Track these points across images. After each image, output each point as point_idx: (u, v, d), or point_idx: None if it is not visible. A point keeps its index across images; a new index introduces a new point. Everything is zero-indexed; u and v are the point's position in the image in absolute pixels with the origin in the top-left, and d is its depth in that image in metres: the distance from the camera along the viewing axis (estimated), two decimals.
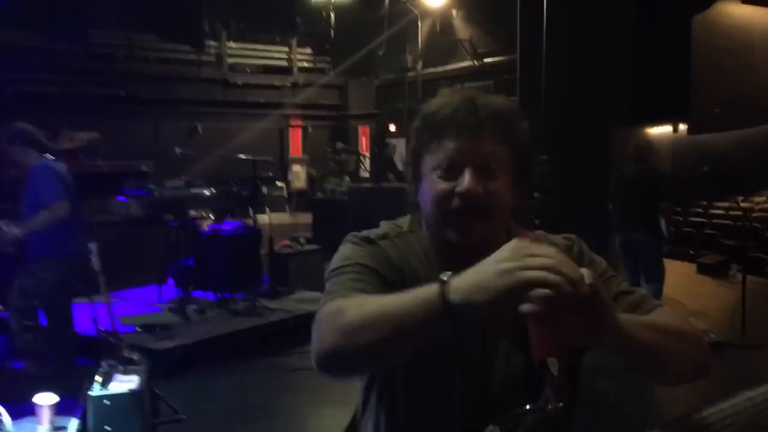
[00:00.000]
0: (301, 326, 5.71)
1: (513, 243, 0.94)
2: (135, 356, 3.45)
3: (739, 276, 8.05)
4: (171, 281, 6.66)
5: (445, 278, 0.95)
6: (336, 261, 1.26)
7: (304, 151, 16.94)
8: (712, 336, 5.55)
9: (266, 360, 5.04)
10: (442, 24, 15.35)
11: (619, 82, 11.62)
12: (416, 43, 15.97)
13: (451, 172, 1.20)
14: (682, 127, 12.82)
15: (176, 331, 5.27)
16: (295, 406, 4.34)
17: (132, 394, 3.08)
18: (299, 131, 17.05)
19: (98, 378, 3.18)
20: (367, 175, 16.15)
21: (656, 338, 1.06)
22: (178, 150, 6.23)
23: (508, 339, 1.22)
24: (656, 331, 1.08)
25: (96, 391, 3.09)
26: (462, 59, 15.14)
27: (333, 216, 10.02)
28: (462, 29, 15.02)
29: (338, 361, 1.05)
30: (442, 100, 1.26)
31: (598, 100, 11.49)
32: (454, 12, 14.87)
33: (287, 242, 7.65)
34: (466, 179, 1.18)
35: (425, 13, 15.36)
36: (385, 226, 1.33)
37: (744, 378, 5.09)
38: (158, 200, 5.41)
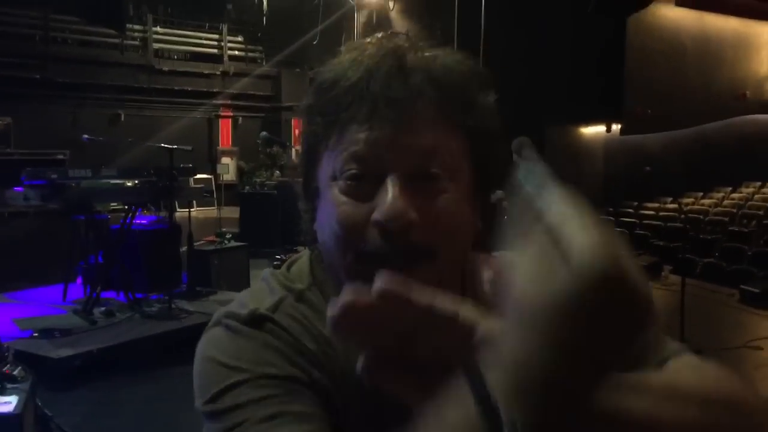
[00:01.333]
0: None
1: None
2: (16, 371, 2.97)
3: (672, 278, 8.06)
4: (79, 281, 6.13)
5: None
6: (212, 378, 0.72)
7: (234, 143, 16.50)
8: None
9: (180, 369, 4.58)
10: (379, 16, 15.17)
11: (556, 82, 11.64)
12: (352, 36, 15.71)
13: (365, 183, 0.69)
14: (615, 127, 12.93)
15: (79, 337, 4.76)
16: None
17: (6, 418, 2.62)
18: (229, 122, 16.59)
19: None
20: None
21: (697, 415, 0.54)
22: (85, 137, 5.69)
23: None
24: (698, 402, 0.56)
25: None
26: None
27: (261, 211, 9.62)
28: (399, 22, 14.82)
29: None
30: (349, 56, 0.73)
31: (534, 99, 11.47)
32: (390, 4, 14.69)
33: (212, 238, 7.21)
34: (391, 196, 0.66)
35: (361, 5, 15.18)
36: (273, 282, 0.80)
37: None
38: (62, 190, 4.87)
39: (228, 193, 14.52)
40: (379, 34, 0.73)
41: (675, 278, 6.47)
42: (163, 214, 6.46)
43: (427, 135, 0.69)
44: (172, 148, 5.20)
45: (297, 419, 0.68)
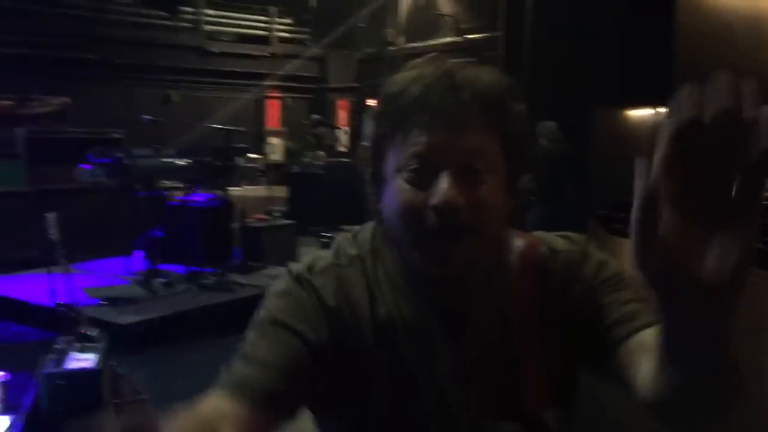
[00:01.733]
0: None
1: None
2: (94, 332, 3.27)
3: None
4: (139, 254, 6.47)
5: None
6: (262, 307, 1.00)
7: (281, 124, 16.74)
8: None
9: (234, 338, 4.88)
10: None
11: (603, 63, 11.58)
12: (398, 17, 15.81)
13: (423, 175, 0.90)
14: (663, 110, 12.85)
15: (142, 305, 5.09)
16: None
17: (88, 372, 2.92)
18: (277, 103, 16.85)
19: (52, 355, 3.00)
20: (344, 149, 16.09)
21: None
22: (146, 117, 6.00)
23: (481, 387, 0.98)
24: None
25: (49, 368, 2.92)
26: (444, 35, 15.01)
27: (309, 190, 9.89)
28: (445, 4, 14.87)
29: None
30: (411, 74, 0.93)
31: (582, 81, 11.45)
32: None
33: (262, 215, 7.49)
34: (444, 186, 0.88)
35: None
36: (337, 247, 1.05)
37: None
38: (126, 168, 5.18)
39: (275, 173, 14.84)
40: (432, 55, 0.96)
41: None
42: (216, 192, 6.74)
43: (473, 138, 0.90)
44: (228, 129, 5.46)
45: (257, 366, 0.92)
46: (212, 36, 15.63)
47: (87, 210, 6.19)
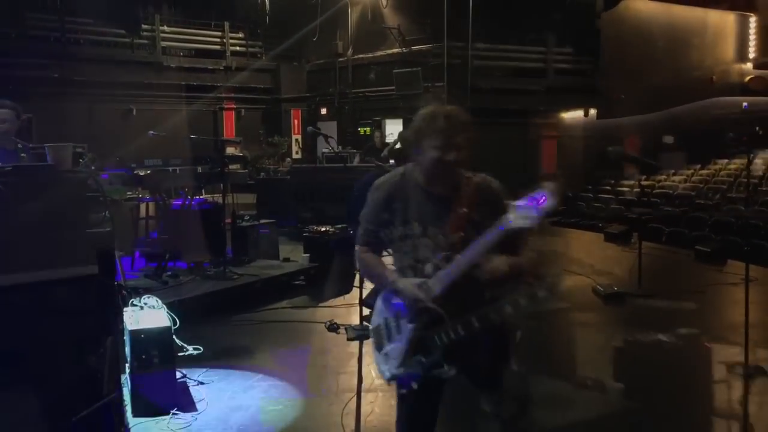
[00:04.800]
0: (267, 288, 6.49)
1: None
2: (154, 301, 4.17)
3: (644, 244, 9.27)
4: (139, 253, 7.28)
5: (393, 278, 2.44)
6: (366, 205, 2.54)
7: (237, 134, 17.36)
8: (615, 288, 6.65)
9: (240, 315, 5.82)
10: (372, 12, 16.04)
11: (538, 72, 12.78)
12: (347, 30, 16.70)
13: (442, 149, 2.36)
14: (592, 111, 14.13)
15: (158, 293, 5.89)
16: (266, 347, 5.29)
17: (163, 329, 3.80)
18: (232, 114, 17.48)
19: (128, 318, 3.88)
20: (298, 156, 17.01)
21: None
22: (150, 132, 6.80)
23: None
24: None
25: (132, 326, 3.79)
26: (391, 46, 15.91)
27: (276, 194, 10.75)
28: (391, 17, 15.73)
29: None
30: (433, 111, 2.42)
31: (517, 87, 12.62)
32: (384, 1, 15.57)
33: (229, 219, 8.14)
34: (450, 152, 2.36)
35: (355, 1, 16.12)
36: (395, 171, 2.60)
37: (639, 318, 6.21)
38: (139, 177, 5.99)
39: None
40: (433, 104, 2.41)
41: (644, 244, 7.55)
42: (204, 196, 7.58)
43: (457, 135, 2.38)
44: (224, 140, 6.32)
45: (369, 231, 2.56)
46: (168, 51, 16.23)
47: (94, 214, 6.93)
